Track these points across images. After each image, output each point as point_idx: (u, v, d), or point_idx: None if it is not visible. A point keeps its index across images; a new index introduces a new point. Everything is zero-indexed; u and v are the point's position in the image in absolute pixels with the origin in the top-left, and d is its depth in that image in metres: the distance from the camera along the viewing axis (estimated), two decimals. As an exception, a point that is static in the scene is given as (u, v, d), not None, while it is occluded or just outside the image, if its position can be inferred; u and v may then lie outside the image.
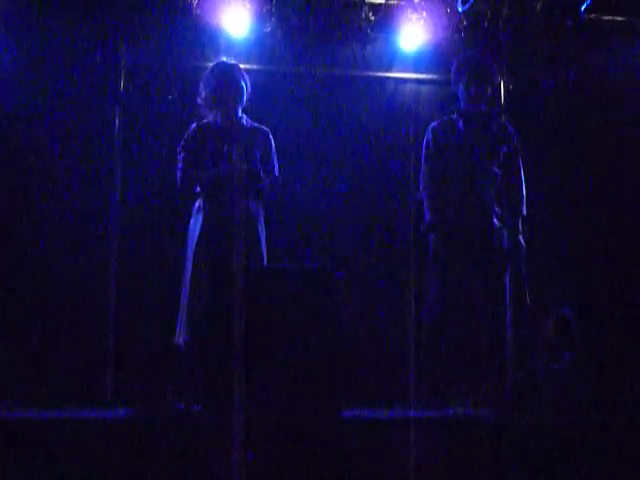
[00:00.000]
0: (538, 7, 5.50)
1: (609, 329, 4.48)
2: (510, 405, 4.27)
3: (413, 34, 5.47)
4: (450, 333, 4.54)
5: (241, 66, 4.73)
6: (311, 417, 3.61)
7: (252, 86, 4.71)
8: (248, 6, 5.23)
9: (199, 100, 4.70)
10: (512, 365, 4.59)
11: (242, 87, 4.61)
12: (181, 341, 4.37)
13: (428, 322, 4.62)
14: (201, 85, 4.68)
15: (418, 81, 5.73)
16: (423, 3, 5.41)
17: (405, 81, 5.73)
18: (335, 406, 3.71)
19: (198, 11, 5.21)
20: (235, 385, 2.92)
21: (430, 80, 5.71)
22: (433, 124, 4.82)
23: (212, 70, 4.67)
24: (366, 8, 5.43)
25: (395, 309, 5.20)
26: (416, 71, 5.70)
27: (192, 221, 4.56)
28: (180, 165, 4.58)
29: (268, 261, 4.58)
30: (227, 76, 4.60)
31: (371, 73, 5.68)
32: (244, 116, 4.68)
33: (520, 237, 4.67)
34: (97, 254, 5.10)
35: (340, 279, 3.84)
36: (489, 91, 4.78)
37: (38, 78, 5.13)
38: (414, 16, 5.41)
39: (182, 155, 4.59)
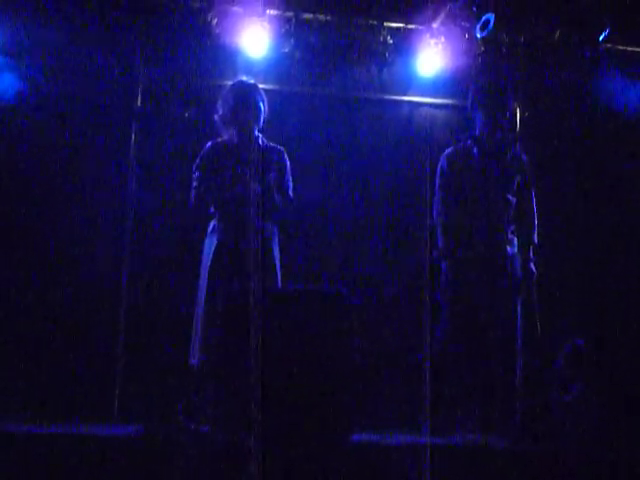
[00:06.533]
0: (556, 36, 5.52)
1: (621, 360, 4.46)
2: (520, 433, 4.24)
3: (431, 59, 5.51)
4: (461, 360, 4.52)
5: (259, 86, 4.74)
6: (321, 440, 3.59)
7: (269, 106, 4.69)
8: (267, 26, 5.27)
9: (216, 117, 4.69)
10: (523, 393, 4.56)
11: (260, 108, 4.60)
12: (195, 362, 4.35)
13: (439, 349, 4.60)
14: (219, 102, 4.67)
15: (434, 106, 5.76)
16: (442, 28, 5.45)
17: (421, 105, 5.75)
18: (345, 430, 3.69)
19: (218, 30, 5.25)
20: (253, 407, 2.92)
21: (447, 105, 5.74)
22: (447, 151, 4.81)
23: (231, 88, 4.66)
24: (385, 31, 5.48)
25: (408, 333, 5.17)
26: (433, 95, 5.74)
27: (207, 241, 4.53)
28: (195, 184, 4.55)
29: (282, 282, 4.57)
30: (246, 95, 4.59)
31: (388, 96, 5.71)
32: (260, 136, 4.67)
33: (532, 264, 4.66)
34: (110, 270, 5.12)
35: (354, 303, 3.83)
36: (506, 118, 4.77)
37: (56, 93, 5.15)
38: (432, 41, 5.45)
39: (197, 174, 4.57)
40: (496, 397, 4.50)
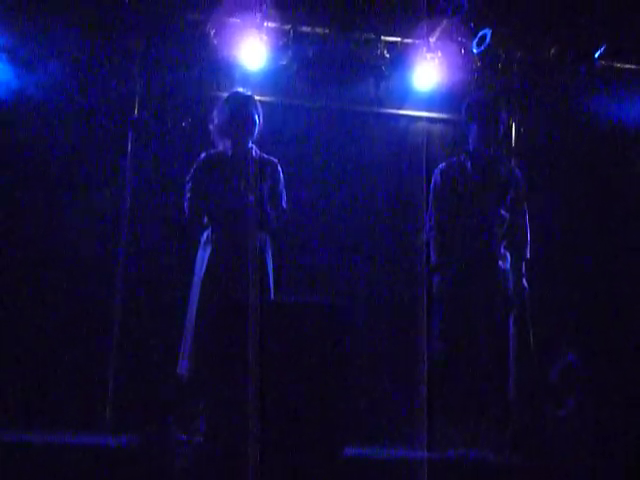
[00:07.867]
0: (552, 52, 5.54)
1: (614, 375, 4.47)
2: (512, 448, 4.24)
3: (427, 73, 5.52)
4: (453, 375, 4.52)
5: (255, 98, 4.74)
6: (314, 454, 3.59)
7: (265, 118, 4.70)
8: (265, 39, 5.27)
9: (211, 127, 4.70)
10: (516, 408, 4.56)
11: (255, 120, 4.61)
12: (184, 372, 4.34)
13: (431, 364, 4.59)
14: (215, 112, 4.68)
15: (430, 120, 5.78)
16: (438, 43, 5.47)
17: (417, 119, 5.78)
18: (339, 444, 3.69)
19: (215, 42, 5.26)
20: (246, 420, 2.91)
21: (442, 119, 5.76)
22: (441, 165, 4.80)
23: (227, 99, 4.67)
24: (382, 45, 5.49)
25: (401, 348, 5.17)
26: (429, 110, 5.76)
27: (200, 252, 4.53)
28: (188, 195, 4.54)
29: (275, 293, 4.56)
30: (241, 107, 4.60)
31: (384, 110, 5.74)
32: (254, 147, 4.67)
33: (524, 280, 4.66)
34: (103, 280, 5.10)
35: (349, 316, 3.83)
36: (499, 133, 4.78)
37: (53, 102, 5.16)
38: (429, 55, 5.46)
39: (190, 185, 4.56)
40: (489, 412, 4.50)
